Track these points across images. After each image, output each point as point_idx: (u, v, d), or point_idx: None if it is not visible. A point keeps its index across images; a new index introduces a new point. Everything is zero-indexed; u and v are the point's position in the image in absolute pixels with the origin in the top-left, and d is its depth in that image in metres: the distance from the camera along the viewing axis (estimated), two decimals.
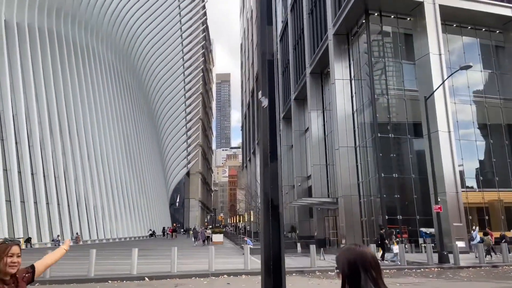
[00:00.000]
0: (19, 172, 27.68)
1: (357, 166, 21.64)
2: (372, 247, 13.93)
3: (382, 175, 18.89)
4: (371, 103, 20.09)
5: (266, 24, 2.69)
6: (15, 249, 1.98)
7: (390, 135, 19.62)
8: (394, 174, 19.22)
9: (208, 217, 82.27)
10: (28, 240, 26.08)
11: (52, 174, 30.17)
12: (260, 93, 2.65)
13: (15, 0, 29.85)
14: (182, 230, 61.15)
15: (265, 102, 2.61)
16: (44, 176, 29.51)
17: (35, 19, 31.60)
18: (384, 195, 18.72)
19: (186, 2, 52.45)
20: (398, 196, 19.04)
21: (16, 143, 28.03)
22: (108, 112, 40.61)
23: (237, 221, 45.53)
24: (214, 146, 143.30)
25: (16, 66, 29.17)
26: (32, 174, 28.55)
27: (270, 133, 2.39)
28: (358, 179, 21.33)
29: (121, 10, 42.85)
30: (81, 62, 36.84)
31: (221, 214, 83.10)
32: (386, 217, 18.28)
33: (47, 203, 29.25)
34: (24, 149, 28.39)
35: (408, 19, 20.50)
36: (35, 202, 28.33)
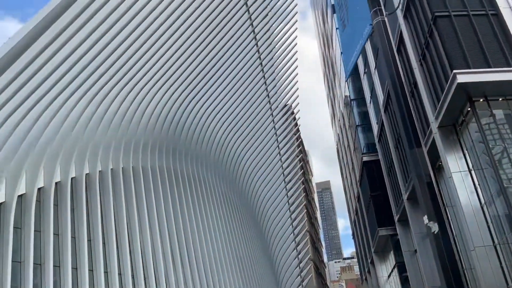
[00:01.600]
0: None
1: (501, 267, 18.47)
2: None
3: None
4: (501, 193, 17.86)
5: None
6: None
7: None
8: None
9: None
10: None
11: None
12: (425, 217, 2.42)
13: (131, 148, 34.67)
14: None
15: (434, 228, 2.35)
16: None
17: (148, 161, 35.99)
18: None
19: (281, 121, 56.13)
20: None
21: (145, 278, 29.93)
22: (220, 235, 42.18)
23: None
24: (325, 259, 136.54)
25: (132, 203, 32.68)
26: None
27: None
28: (507, 283, 17.98)
29: (225, 140, 47.11)
30: (188, 191, 40.06)
31: None
32: None
33: None
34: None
35: None
36: None
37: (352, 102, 47.23)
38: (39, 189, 26.38)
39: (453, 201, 21.85)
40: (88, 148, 30.36)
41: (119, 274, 29.04)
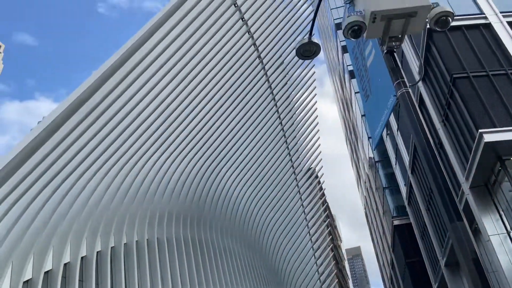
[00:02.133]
0: None
1: None
2: None
3: None
4: None
5: None
6: None
7: None
8: None
9: None
10: None
11: None
12: None
13: (156, 219, 34.65)
14: None
15: None
16: None
17: (172, 231, 35.69)
18: None
19: (305, 186, 55.50)
20: None
21: None
22: None
23: None
24: None
25: (156, 275, 31.92)
26: None
27: None
28: None
29: (249, 208, 46.60)
30: (213, 260, 39.13)
31: None
32: None
33: None
34: None
35: None
36: None
37: (376, 164, 46.57)
38: (65, 264, 26.27)
39: (494, 266, 20.36)
40: (114, 221, 30.57)
41: None
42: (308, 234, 58.79)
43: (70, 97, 18.57)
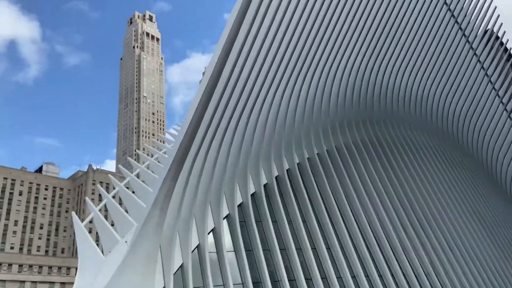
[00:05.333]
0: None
1: None
2: None
3: None
4: None
5: None
6: None
7: None
8: None
9: None
10: None
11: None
12: None
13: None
14: None
15: None
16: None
17: (376, 132, 35.85)
18: None
19: (485, 53, 47.55)
20: None
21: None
22: (455, 197, 39.31)
23: None
24: None
25: (363, 176, 33.07)
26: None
27: None
28: None
29: (428, 97, 43.05)
30: (418, 158, 38.60)
31: None
32: None
33: None
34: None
35: None
36: None
37: None
38: (264, 185, 29.50)
39: None
40: (327, 126, 33.27)
41: (355, 249, 29.73)
42: (500, 104, 51.29)
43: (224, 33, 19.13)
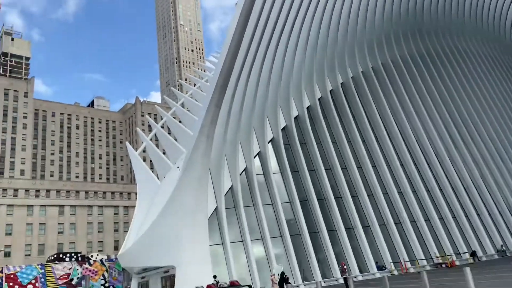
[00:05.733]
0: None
1: None
2: None
3: None
4: None
5: None
6: None
7: None
8: None
9: None
10: (473, 254, 26.16)
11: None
12: None
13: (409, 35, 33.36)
14: None
15: None
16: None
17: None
18: None
19: None
20: None
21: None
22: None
23: None
24: None
25: (410, 91, 31.85)
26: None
27: None
28: None
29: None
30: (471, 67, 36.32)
31: None
32: None
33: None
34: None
35: None
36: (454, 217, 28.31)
37: None
38: (319, 99, 29.33)
39: None
40: (373, 41, 32.24)
41: (401, 165, 29.63)
42: None
43: None
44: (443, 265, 25.01)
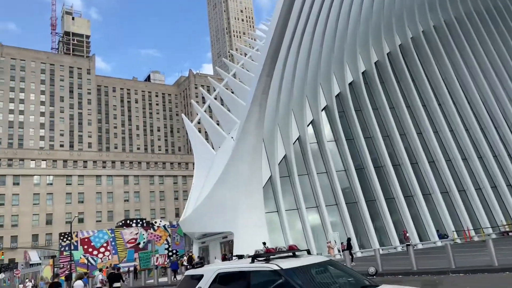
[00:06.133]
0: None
1: None
2: None
3: None
4: None
5: None
6: None
7: None
8: None
9: None
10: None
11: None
12: None
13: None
14: None
15: None
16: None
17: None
18: None
19: None
20: None
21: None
22: None
23: None
24: None
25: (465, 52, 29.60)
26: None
27: None
28: None
29: None
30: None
31: None
32: None
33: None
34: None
35: None
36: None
37: None
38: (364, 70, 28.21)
39: None
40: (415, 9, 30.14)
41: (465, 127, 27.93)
42: None
43: None
44: (510, 233, 23.68)
